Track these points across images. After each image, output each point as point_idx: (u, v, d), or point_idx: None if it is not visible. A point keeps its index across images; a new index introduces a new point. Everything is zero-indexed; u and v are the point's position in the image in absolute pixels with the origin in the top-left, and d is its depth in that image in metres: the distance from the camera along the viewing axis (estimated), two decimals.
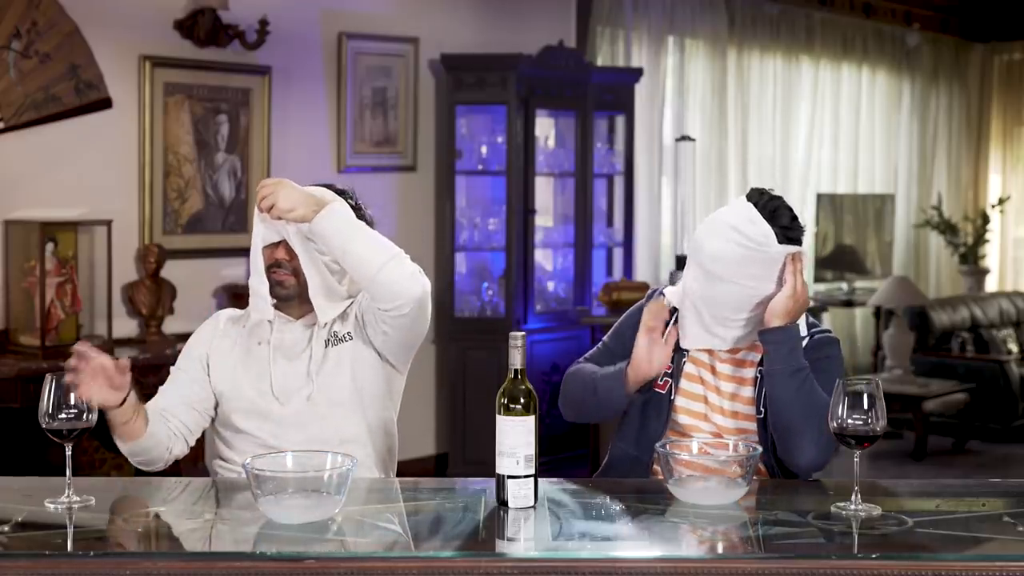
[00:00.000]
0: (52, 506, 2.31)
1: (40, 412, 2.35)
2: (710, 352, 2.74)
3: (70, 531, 2.23)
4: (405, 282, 2.69)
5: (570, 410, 2.85)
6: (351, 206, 2.84)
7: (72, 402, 2.36)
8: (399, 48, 6.30)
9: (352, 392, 2.80)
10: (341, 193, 2.87)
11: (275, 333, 2.82)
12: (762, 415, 2.66)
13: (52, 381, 2.35)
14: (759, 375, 2.67)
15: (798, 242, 2.62)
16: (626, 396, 2.69)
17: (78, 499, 2.33)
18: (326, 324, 2.81)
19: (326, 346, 2.81)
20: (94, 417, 2.40)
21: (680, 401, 2.74)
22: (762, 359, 2.65)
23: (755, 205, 2.60)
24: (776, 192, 2.67)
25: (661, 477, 2.48)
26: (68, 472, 2.34)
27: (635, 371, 2.67)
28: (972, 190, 10.68)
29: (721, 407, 2.72)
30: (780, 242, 2.58)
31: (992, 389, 7.60)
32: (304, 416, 2.77)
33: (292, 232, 2.75)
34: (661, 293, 2.80)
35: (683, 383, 2.74)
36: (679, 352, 2.74)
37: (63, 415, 2.36)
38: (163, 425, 2.74)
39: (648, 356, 2.65)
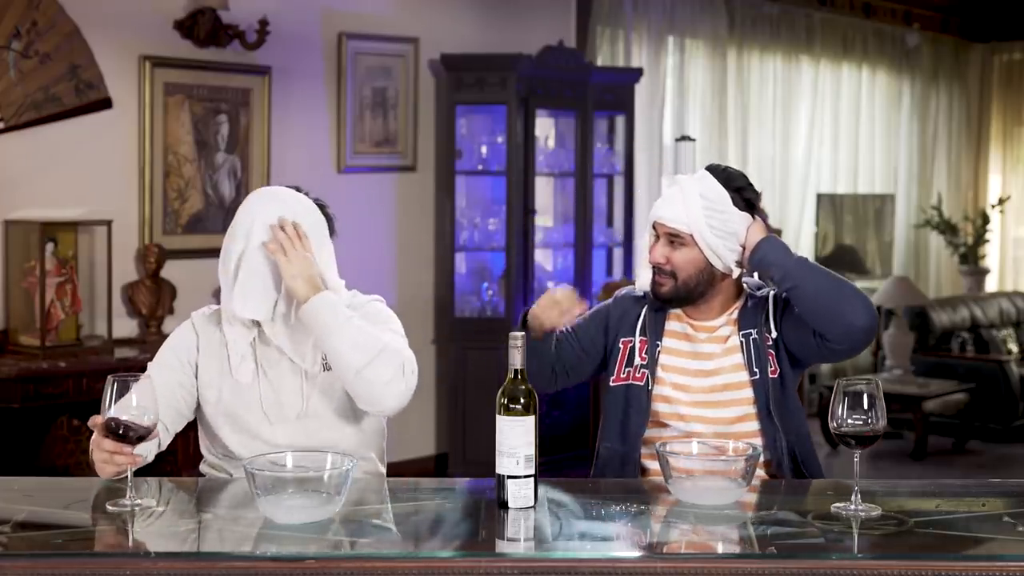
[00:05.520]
0: (113, 508, 2.30)
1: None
2: (687, 337, 2.81)
3: (70, 531, 2.23)
4: (381, 389, 2.57)
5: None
6: (325, 216, 2.73)
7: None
8: (399, 48, 6.30)
9: (346, 408, 2.70)
10: (315, 201, 2.73)
11: (260, 347, 2.69)
12: (757, 375, 2.75)
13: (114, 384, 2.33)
14: (743, 339, 2.77)
15: (753, 206, 2.77)
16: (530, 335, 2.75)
17: (140, 501, 2.33)
18: None
19: (322, 369, 2.69)
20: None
21: (658, 390, 2.80)
22: (740, 322, 2.78)
23: (711, 173, 2.78)
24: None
25: (658, 475, 2.48)
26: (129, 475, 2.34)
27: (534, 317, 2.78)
28: (972, 190, 10.67)
29: (706, 386, 2.77)
30: (735, 204, 2.73)
31: (992, 389, 7.60)
32: (294, 435, 2.66)
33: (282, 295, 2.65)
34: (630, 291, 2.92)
35: (660, 373, 2.80)
36: (653, 342, 2.81)
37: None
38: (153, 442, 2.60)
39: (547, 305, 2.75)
